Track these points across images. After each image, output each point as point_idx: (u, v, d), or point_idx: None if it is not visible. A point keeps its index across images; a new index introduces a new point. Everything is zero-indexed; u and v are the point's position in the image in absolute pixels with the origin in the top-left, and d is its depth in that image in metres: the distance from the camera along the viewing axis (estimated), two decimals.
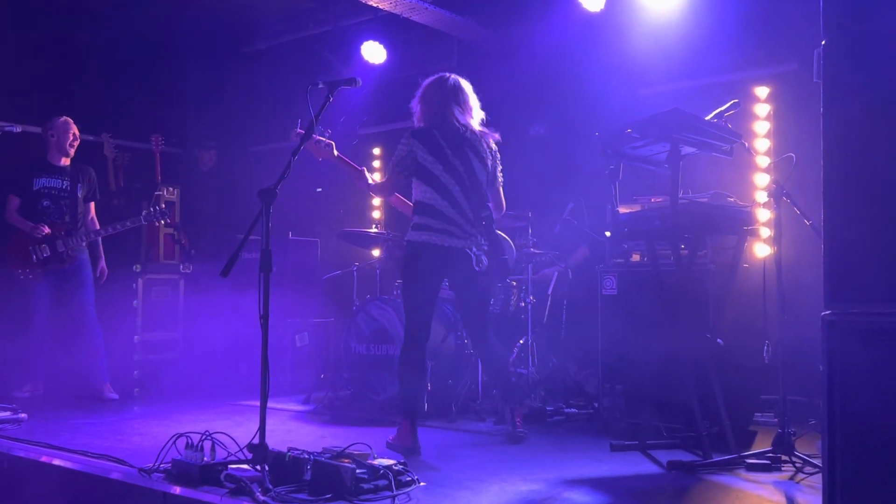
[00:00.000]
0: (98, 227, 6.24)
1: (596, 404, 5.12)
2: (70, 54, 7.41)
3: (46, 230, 5.91)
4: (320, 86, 3.82)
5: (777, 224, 3.91)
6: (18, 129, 5.34)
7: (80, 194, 6.15)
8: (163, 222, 6.60)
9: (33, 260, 5.89)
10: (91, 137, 7.48)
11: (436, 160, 4.32)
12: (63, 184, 6.10)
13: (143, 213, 6.26)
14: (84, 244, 6.09)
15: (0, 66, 7.11)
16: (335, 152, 4.50)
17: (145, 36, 7.63)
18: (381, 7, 6.53)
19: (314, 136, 4.35)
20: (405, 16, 6.65)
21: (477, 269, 4.34)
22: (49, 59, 7.34)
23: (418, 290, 4.33)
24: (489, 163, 4.50)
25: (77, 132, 6.17)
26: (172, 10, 7.40)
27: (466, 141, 4.41)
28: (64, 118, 6.13)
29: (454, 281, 4.43)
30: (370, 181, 4.62)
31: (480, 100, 4.62)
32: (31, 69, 7.26)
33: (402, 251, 5.89)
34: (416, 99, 4.55)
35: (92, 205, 6.29)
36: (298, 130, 4.28)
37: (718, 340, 4.32)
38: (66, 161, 6.14)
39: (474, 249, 4.36)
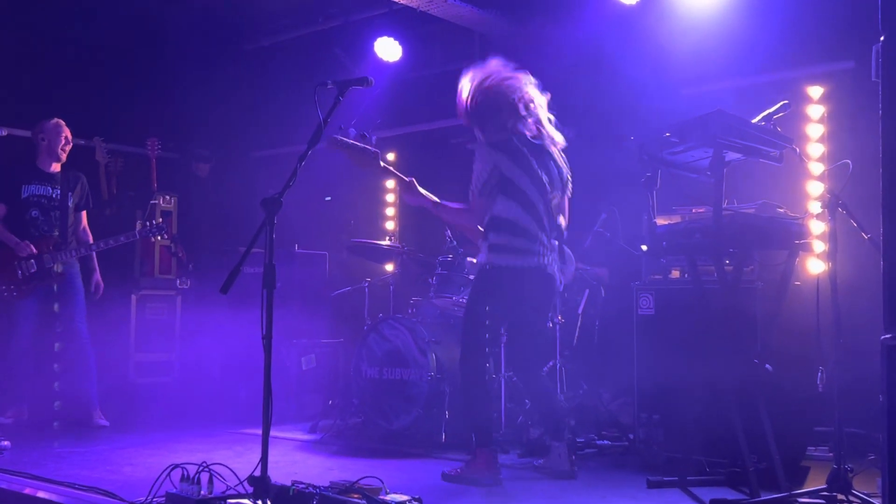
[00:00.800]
0: (90, 238, 6.29)
1: (631, 436, 5.09)
2: (59, 52, 7.50)
3: (32, 249, 5.96)
4: (329, 86, 3.84)
5: (832, 238, 3.87)
6: (4, 132, 5.43)
7: (70, 203, 6.20)
8: (159, 237, 6.63)
9: (18, 276, 5.93)
10: (82, 142, 7.56)
11: (523, 172, 4.35)
12: (53, 192, 6.16)
13: (138, 227, 6.31)
14: (74, 258, 6.14)
15: (4, 72, 7.23)
16: (381, 162, 4.48)
17: (140, 32, 7.71)
18: (396, 0, 6.57)
19: (365, 144, 4.43)
20: (422, 9, 6.69)
21: (560, 289, 4.56)
22: (37, 58, 7.43)
23: (490, 315, 4.48)
24: (566, 171, 4.59)
25: (69, 135, 6.23)
26: (169, 4, 7.48)
27: (547, 146, 4.49)
28: (55, 120, 6.20)
29: (529, 303, 4.43)
30: (425, 193, 4.58)
31: None
32: (18, 69, 7.36)
33: (419, 266, 5.92)
34: (477, 93, 4.43)
35: (84, 214, 6.34)
36: (341, 138, 4.30)
37: (767, 366, 4.29)
38: (56, 167, 6.21)
39: (556, 268, 4.46)
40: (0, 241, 6.02)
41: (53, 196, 6.16)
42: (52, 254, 6.01)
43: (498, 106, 4.40)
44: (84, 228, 6.35)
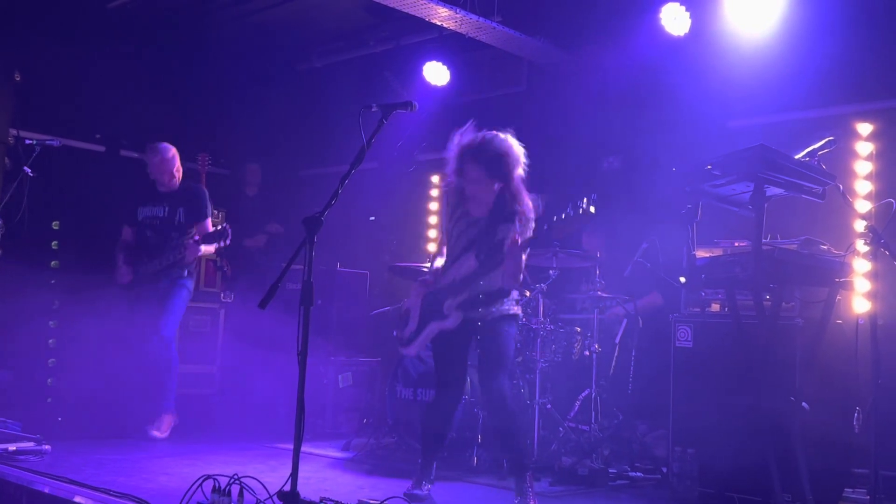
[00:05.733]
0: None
1: (664, 469, 5.04)
2: (113, 67, 7.68)
3: (126, 279, 6.23)
4: (374, 109, 3.90)
5: (873, 277, 3.83)
6: (58, 143, 5.60)
7: (180, 220, 6.27)
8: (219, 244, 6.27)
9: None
10: (136, 155, 7.76)
11: None
12: (163, 212, 6.28)
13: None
14: (162, 267, 6.17)
15: (54, 83, 7.46)
16: None
17: (195, 49, 7.88)
18: (445, 25, 6.64)
19: None
20: (471, 35, 6.75)
21: None
22: (95, 77, 7.61)
23: None
24: None
25: (169, 160, 6.29)
26: (225, 25, 7.64)
27: None
28: (155, 147, 6.31)
29: None
30: None
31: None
32: (67, 84, 7.55)
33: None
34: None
35: (206, 223, 6.30)
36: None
37: (804, 404, 4.23)
38: (166, 188, 6.32)
39: None
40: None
41: (163, 216, 6.27)
42: (144, 265, 6.19)
43: None
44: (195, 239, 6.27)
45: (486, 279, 4.34)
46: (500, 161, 4.29)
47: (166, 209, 6.29)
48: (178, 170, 6.36)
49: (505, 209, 4.34)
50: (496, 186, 4.32)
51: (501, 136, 4.35)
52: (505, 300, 4.43)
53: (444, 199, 4.66)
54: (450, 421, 4.65)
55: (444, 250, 4.62)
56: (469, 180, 4.38)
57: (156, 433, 6.05)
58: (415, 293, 4.62)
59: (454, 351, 4.51)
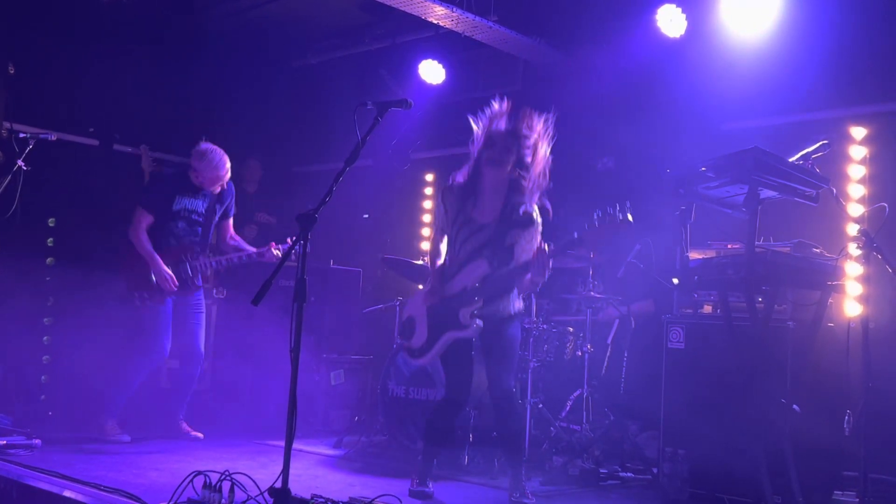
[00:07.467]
0: (241, 244, 6.09)
1: (655, 469, 5.06)
2: (111, 65, 7.66)
3: (173, 286, 5.75)
4: (369, 107, 3.91)
5: (865, 281, 3.85)
6: (53, 136, 5.59)
7: (217, 218, 6.06)
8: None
9: (153, 282, 5.76)
10: (128, 149, 7.73)
11: None
12: (203, 206, 6.00)
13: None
14: (209, 270, 6.00)
15: (48, 77, 7.41)
16: None
17: (190, 46, 7.86)
18: (441, 24, 6.64)
19: None
20: (467, 34, 6.75)
21: None
22: (89, 70, 7.58)
23: None
24: None
25: (224, 174, 5.95)
26: (221, 20, 7.62)
27: None
28: (211, 156, 5.89)
29: None
30: None
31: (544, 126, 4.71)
32: (74, 80, 7.53)
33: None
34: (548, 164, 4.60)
35: (230, 222, 6.14)
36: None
37: (795, 407, 4.24)
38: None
39: None
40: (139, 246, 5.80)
41: (202, 211, 5.99)
42: (190, 263, 5.85)
43: None
44: (232, 236, 6.16)
45: (494, 282, 4.39)
46: (533, 148, 4.47)
47: (206, 205, 6.00)
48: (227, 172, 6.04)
49: (513, 214, 4.42)
50: (511, 172, 4.42)
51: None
52: (509, 298, 4.48)
53: (441, 202, 4.64)
54: (455, 420, 4.69)
55: (441, 249, 4.65)
56: (499, 150, 4.45)
57: (195, 432, 5.95)
58: (421, 302, 4.65)
59: (462, 353, 4.53)
